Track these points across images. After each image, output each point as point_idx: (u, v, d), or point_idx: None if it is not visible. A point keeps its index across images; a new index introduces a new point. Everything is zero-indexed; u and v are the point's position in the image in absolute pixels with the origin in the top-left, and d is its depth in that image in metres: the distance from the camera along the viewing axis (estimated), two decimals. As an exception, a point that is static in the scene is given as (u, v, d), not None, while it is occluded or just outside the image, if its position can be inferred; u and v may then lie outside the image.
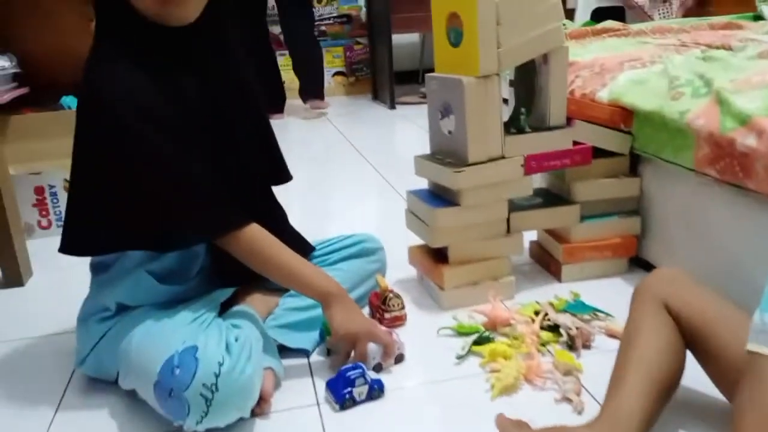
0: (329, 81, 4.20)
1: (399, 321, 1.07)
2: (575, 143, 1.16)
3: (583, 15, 3.01)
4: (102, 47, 0.88)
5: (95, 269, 0.99)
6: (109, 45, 0.87)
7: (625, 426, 0.69)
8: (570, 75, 1.30)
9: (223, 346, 0.82)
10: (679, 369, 0.75)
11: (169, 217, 0.88)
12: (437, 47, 1.14)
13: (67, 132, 0.93)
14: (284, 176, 1.09)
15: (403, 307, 1.08)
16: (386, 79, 3.55)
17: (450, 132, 1.11)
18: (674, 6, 2.93)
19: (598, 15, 3.01)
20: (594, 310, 1.05)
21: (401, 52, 3.97)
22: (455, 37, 1.08)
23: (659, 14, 2.95)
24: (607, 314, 1.05)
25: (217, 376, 0.78)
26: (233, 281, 1.00)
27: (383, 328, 0.98)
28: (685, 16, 2.92)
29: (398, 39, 3.56)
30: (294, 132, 3.12)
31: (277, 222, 1.06)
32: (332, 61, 4.18)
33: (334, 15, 4.20)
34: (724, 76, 1.05)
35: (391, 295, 1.07)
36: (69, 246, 0.94)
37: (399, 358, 0.97)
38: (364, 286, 1.12)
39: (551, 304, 1.05)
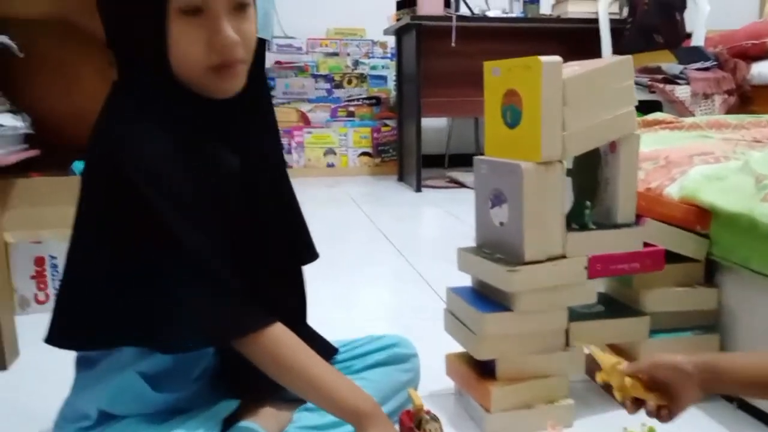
0: (355, 161, 4.13)
1: (435, 449, 0.88)
2: (645, 244, 1.00)
3: (621, 107, 2.92)
4: (124, 105, 0.75)
5: (80, 364, 0.84)
6: (133, 104, 0.74)
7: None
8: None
9: None
10: None
11: (178, 311, 0.73)
12: (489, 127, 1.01)
13: (74, 199, 0.81)
14: (311, 254, 0.94)
15: (440, 433, 0.89)
16: (413, 162, 3.46)
17: (502, 223, 0.96)
18: (716, 103, 2.84)
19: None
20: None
21: (428, 136, 3.92)
22: (512, 117, 0.95)
23: (701, 110, 2.85)
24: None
25: None
26: (242, 390, 0.83)
27: None
28: (728, 112, 2.83)
29: (425, 122, 3.51)
30: (313, 211, 3.00)
31: (297, 317, 0.90)
32: (359, 141, 4.13)
33: (363, 96, 4.18)
34: (826, 176, 0.90)
35: (427, 417, 0.89)
36: (56, 336, 0.78)
37: None
38: (395, 400, 0.94)
39: (623, 441, 0.87)
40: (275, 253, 0.86)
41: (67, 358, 0.85)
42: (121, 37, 0.75)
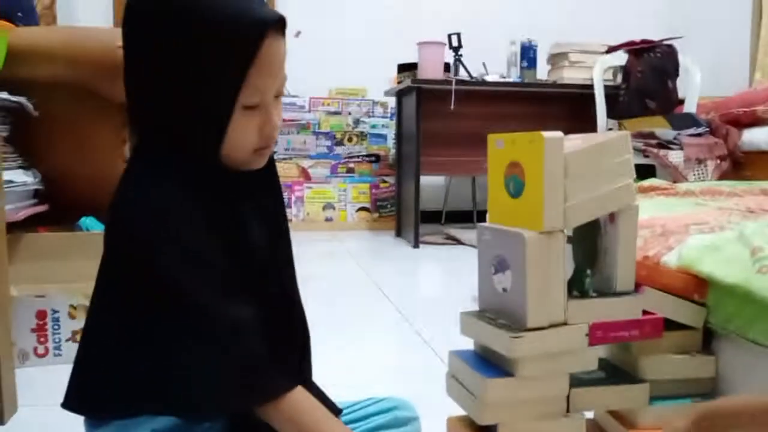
0: (353, 216, 4.17)
1: None
2: (643, 312, 1.03)
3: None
4: (154, 172, 0.77)
5: (92, 425, 0.84)
6: (164, 172, 0.76)
7: None
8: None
9: None
10: None
11: (202, 380, 0.74)
12: (492, 196, 1.04)
13: (80, 255, 0.84)
14: None
15: (443, 499, 0.89)
16: (411, 218, 3.51)
17: (505, 289, 0.99)
18: (710, 168, 2.91)
19: (631, 171, 2.98)
20: None
21: (426, 192, 3.98)
22: (515, 188, 0.98)
23: (694, 175, 2.92)
24: None
25: None
26: None
27: None
28: (720, 177, 2.89)
29: (423, 179, 3.58)
30: (311, 266, 3.01)
31: (306, 374, 0.92)
32: (358, 197, 4.19)
33: (363, 154, 4.26)
34: (817, 250, 0.94)
35: (429, 482, 0.89)
36: (75, 401, 0.79)
37: None
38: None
39: None
40: (286, 309, 0.89)
41: (66, 414, 0.85)
42: (171, 122, 0.76)
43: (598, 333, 0.98)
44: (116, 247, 0.77)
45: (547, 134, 0.92)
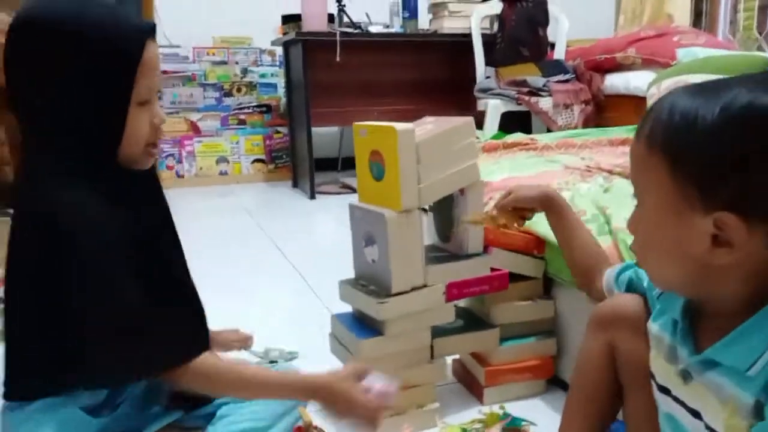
0: (248, 168, 4.19)
1: (323, 459, 1.04)
2: (492, 269, 1.21)
3: (492, 119, 3.19)
4: (59, 170, 0.86)
5: (9, 407, 0.92)
6: (67, 168, 0.86)
7: None
8: (484, 197, 1.36)
9: None
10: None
11: (112, 353, 0.85)
12: (360, 178, 1.18)
13: None
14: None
15: (327, 444, 1.05)
16: (307, 169, 3.58)
17: (374, 260, 1.13)
18: (576, 112, 3.18)
19: (506, 119, 3.21)
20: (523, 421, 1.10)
21: (320, 140, 4.05)
22: (377, 172, 1.12)
23: (562, 119, 3.18)
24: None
25: None
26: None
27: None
28: (585, 120, 3.17)
29: (318, 127, 3.64)
30: (204, 219, 3.05)
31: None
32: (251, 149, 4.20)
33: (254, 104, 4.25)
34: (620, 213, 1.14)
35: (315, 431, 1.05)
36: (17, 389, 0.89)
37: None
38: (285, 421, 1.09)
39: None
40: (179, 288, 1.00)
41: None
42: (66, 118, 0.86)
43: (453, 291, 1.16)
44: (34, 242, 0.85)
45: (399, 128, 1.05)
